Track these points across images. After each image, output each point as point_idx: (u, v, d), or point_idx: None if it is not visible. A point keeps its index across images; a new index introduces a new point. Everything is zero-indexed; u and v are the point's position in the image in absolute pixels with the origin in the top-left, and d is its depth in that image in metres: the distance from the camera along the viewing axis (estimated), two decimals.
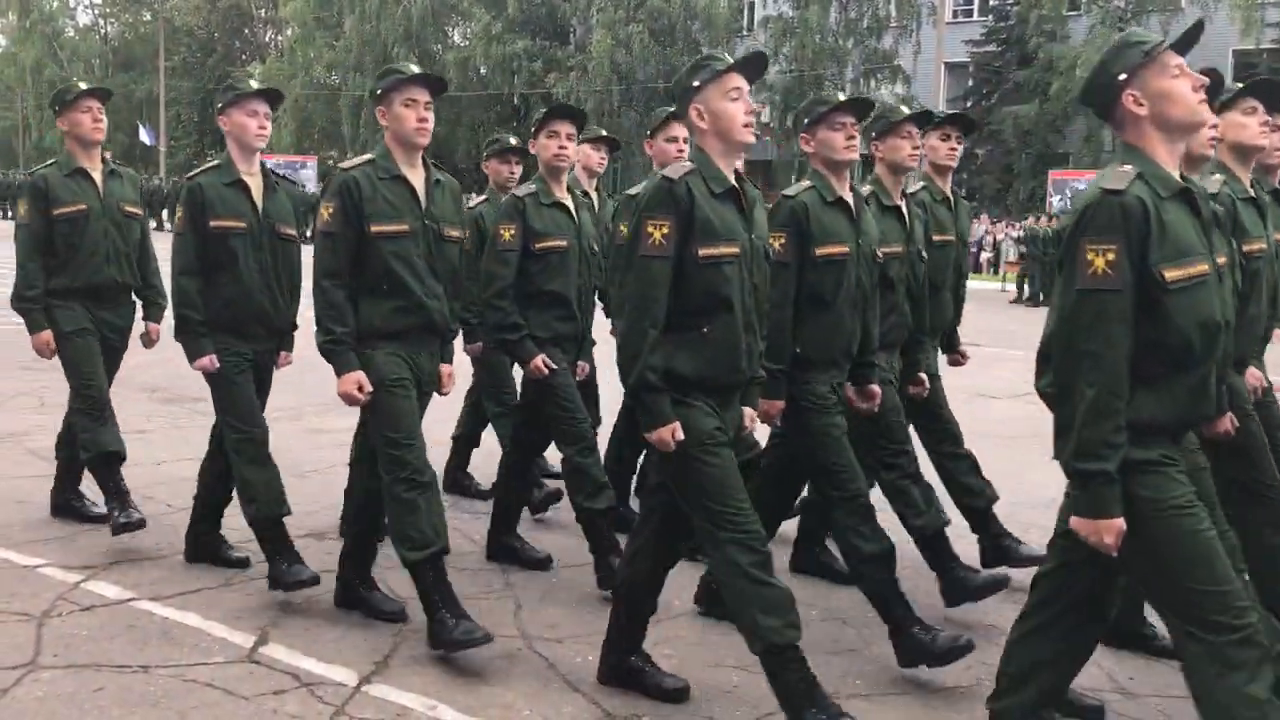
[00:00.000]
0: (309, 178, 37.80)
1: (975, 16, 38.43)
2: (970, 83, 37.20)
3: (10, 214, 37.95)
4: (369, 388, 3.82)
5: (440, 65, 45.55)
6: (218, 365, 4.31)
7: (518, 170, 5.73)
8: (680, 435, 3.22)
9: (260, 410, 4.45)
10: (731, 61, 3.34)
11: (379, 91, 3.89)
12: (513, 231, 4.57)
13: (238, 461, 4.33)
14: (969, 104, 36.19)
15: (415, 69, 3.91)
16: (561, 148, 4.66)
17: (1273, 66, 32.13)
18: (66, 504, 5.26)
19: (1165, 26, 32.34)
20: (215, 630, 3.99)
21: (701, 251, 3.23)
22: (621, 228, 5.33)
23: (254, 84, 4.41)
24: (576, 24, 44.17)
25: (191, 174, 4.41)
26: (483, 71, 44.38)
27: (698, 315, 3.27)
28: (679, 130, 4.95)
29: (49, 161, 5.04)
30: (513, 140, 5.85)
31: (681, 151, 4.94)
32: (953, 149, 4.71)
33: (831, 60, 37.70)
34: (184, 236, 4.33)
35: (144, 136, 45.52)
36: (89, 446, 4.88)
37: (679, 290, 3.25)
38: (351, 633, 4.01)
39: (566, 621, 4.15)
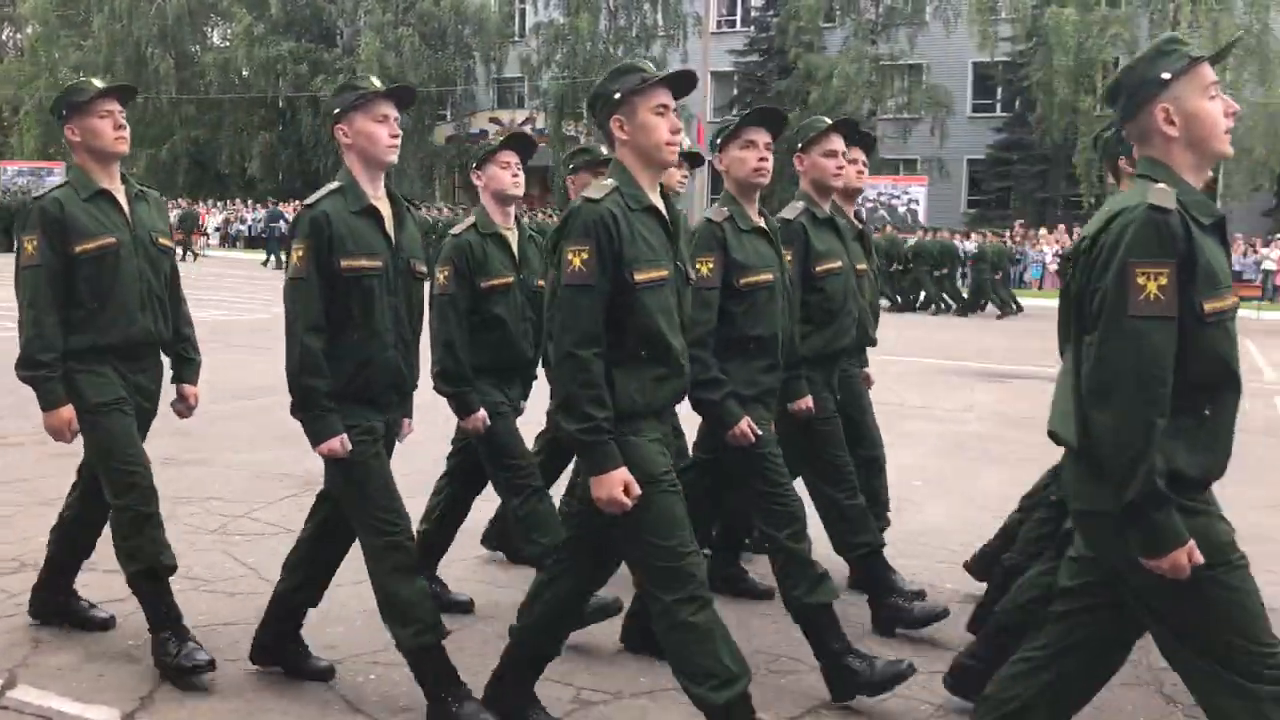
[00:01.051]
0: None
1: (738, 27, 39.75)
2: (735, 91, 38.43)
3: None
4: (637, 490, 2.99)
5: (199, 67, 43.72)
6: (349, 447, 3.37)
7: None
8: (1198, 556, 2.43)
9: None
10: (1197, 52, 2.60)
11: (617, 95, 3.06)
12: (712, 265, 3.70)
13: (380, 571, 3.39)
14: (735, 112, 37.32)
15: (652, 68, 3.13)
16: (762, 159, 3.75)
17: (1007, 78, 34.60)
18: (59, 606, 4.11)
19: (912, 39, 34.44)
20: None
21: (1207, 306, 2.45)
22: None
23: (377, 81, 3.52)
24: (343, 26, 43.23)
25: (311, 200, 3.44)
26: (245, 74, 42.78)
27: (1197, 392, 2.48)
28: (837, 143, 4.29)
29: (59, 183, 3.86)
30: (604, 150, 4.98)
31: (841, 169, 4.31)
32: None
33: (603, 67, 38.17)
34: (306, 282, 3.34)
35: None
36: (136, 557, 3.70)
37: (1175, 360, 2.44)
38: (112, 668, 3.78)
39: (345, 641, 4.04)
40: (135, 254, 3.82)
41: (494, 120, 41.48)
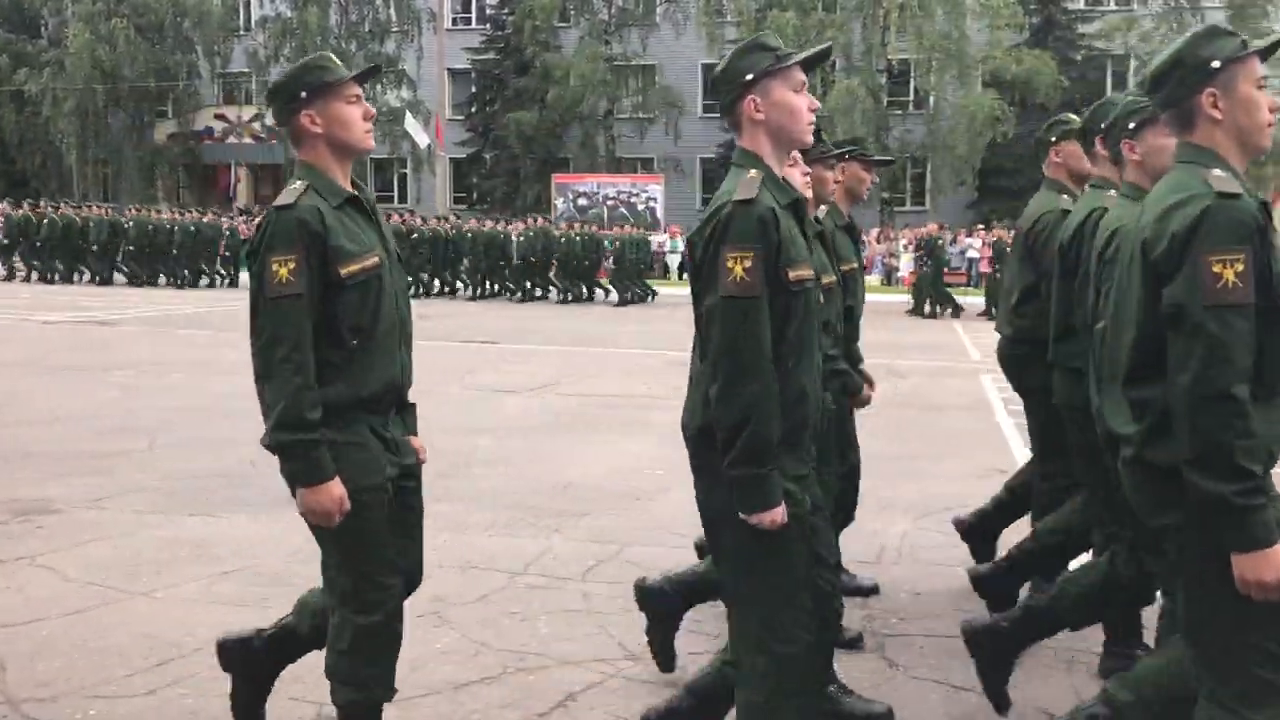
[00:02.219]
0: None
1: (474, 24, 39.61)
2: (474, 89, 38.30)
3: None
4: None
5: None
6: (785, 520, 2.64)
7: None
8: None
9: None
10: None
11: (1215, 64, 2.44)
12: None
13: (763, 692, 2.69)
14: (474, 110, 37.29)
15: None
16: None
17: None
18: None
19: (644, 40, 35.35)
20: None
21: None
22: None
23: (775, 41, 2.82)
24: (48, 16, 40.34)
25: (747, 196, 2.63)
26: None
27: None
28: None
29: (299, 187, 2.89)
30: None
31: None
32: None
33: None
34: (758, 299, 2.61)
35: None
36: (362, 686, 2.94)
37: None
38: None
39: (61, 678, 3.82)
40: (392, 276, 3.01)
41: (220, 117, 39.74)
